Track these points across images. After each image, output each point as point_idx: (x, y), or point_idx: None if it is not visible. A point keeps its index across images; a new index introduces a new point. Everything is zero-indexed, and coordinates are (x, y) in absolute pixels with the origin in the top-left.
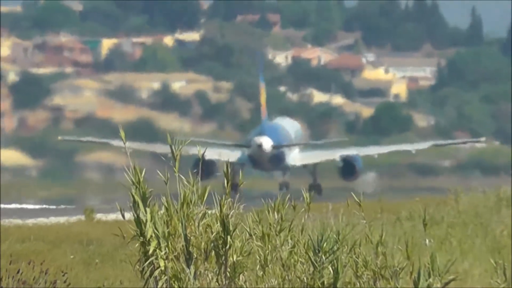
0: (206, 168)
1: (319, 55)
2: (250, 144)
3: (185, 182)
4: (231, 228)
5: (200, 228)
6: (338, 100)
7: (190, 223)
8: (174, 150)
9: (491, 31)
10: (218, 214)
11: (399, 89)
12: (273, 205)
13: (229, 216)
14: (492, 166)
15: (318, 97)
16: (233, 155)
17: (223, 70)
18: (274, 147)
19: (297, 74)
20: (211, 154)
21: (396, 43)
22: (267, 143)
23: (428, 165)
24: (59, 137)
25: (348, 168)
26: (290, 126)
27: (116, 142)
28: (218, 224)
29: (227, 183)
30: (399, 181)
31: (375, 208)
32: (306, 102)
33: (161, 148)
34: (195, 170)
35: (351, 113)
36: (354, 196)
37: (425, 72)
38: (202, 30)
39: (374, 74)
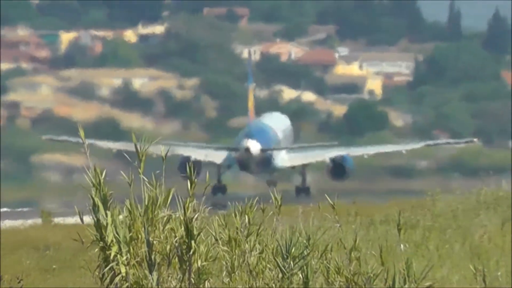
0: (183, 166)
1: (290, 50)
2: (238, 148)
3: (148, 184)
4: (195, 232)
5: (165, 232)
6: (309, 97)
7: (154, 227)
8: (139, 149)
9: (471, 26)
10: (182, 218)
11: (374, 86)
12: (240, 208)
13: (194, 219)
14: (472, 168)
15: (288, 94)
16: (219, 156)
17: (188, 66)
18: (262, 150)
19: (266, 70)
20: (197, 154)
21: (372, 37)
22: (255, 146)
23: (405, 166)
24: (43, 137)
25: (338, 169)
26: (279, 122)
27: (103, 143)
28: (182, 228)
29: (191, 185)
30: (374, 183)
31: (349, 211)
32: (275, 99)
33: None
34: (183, 172)
35: (323, 111)
36: (328, 198)
37: (401, 68)
38: (166, 24)
39: (348, 69)
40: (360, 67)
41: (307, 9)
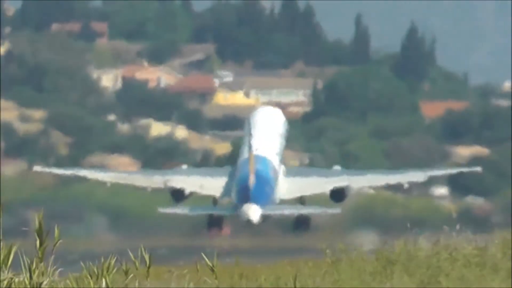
0: (176, 195)
1: (159, 76)
2: (236, 212)
3: None
4: None
5: None
6: (182, 132)
7: None
8: None
9: (381, 46)
10: (27, 282)
11: None
12: (96, 269)
13: (42, 284)
14: (384, 220)
15: (157, 129)
16: (216, 188)
17: (34, 95)
18: (263, 215)
19: (129, 100)
20: (191, 186)
21: (260, 58)
22: (256, 214)
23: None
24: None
25: (338, 193)
26: (274, 136)
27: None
28: None
29: (40, 244)
30: (262, 239)
31: (231, 273)
32: (140, 135)
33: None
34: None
35: (199, 150)
36: (205, 257)
37: (296, 96)
38: (7, 43)
39: (231, 98)
40: (246, 95)
41: (180, 24)
